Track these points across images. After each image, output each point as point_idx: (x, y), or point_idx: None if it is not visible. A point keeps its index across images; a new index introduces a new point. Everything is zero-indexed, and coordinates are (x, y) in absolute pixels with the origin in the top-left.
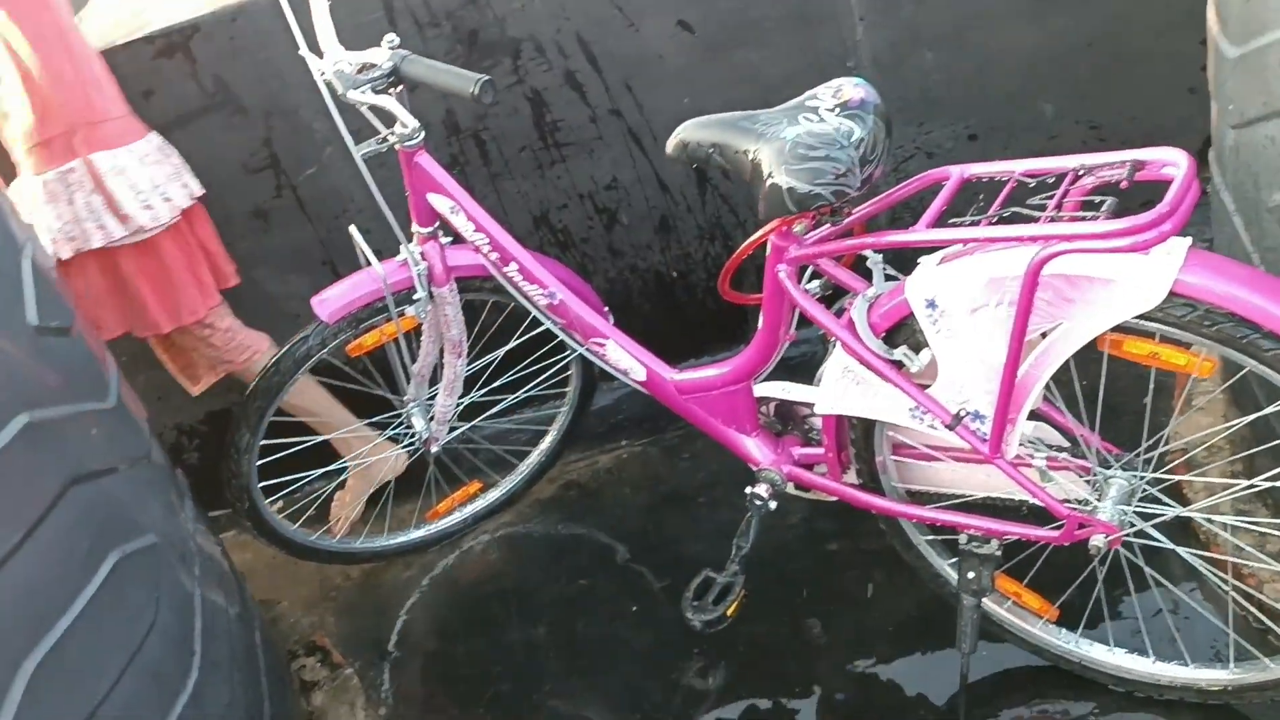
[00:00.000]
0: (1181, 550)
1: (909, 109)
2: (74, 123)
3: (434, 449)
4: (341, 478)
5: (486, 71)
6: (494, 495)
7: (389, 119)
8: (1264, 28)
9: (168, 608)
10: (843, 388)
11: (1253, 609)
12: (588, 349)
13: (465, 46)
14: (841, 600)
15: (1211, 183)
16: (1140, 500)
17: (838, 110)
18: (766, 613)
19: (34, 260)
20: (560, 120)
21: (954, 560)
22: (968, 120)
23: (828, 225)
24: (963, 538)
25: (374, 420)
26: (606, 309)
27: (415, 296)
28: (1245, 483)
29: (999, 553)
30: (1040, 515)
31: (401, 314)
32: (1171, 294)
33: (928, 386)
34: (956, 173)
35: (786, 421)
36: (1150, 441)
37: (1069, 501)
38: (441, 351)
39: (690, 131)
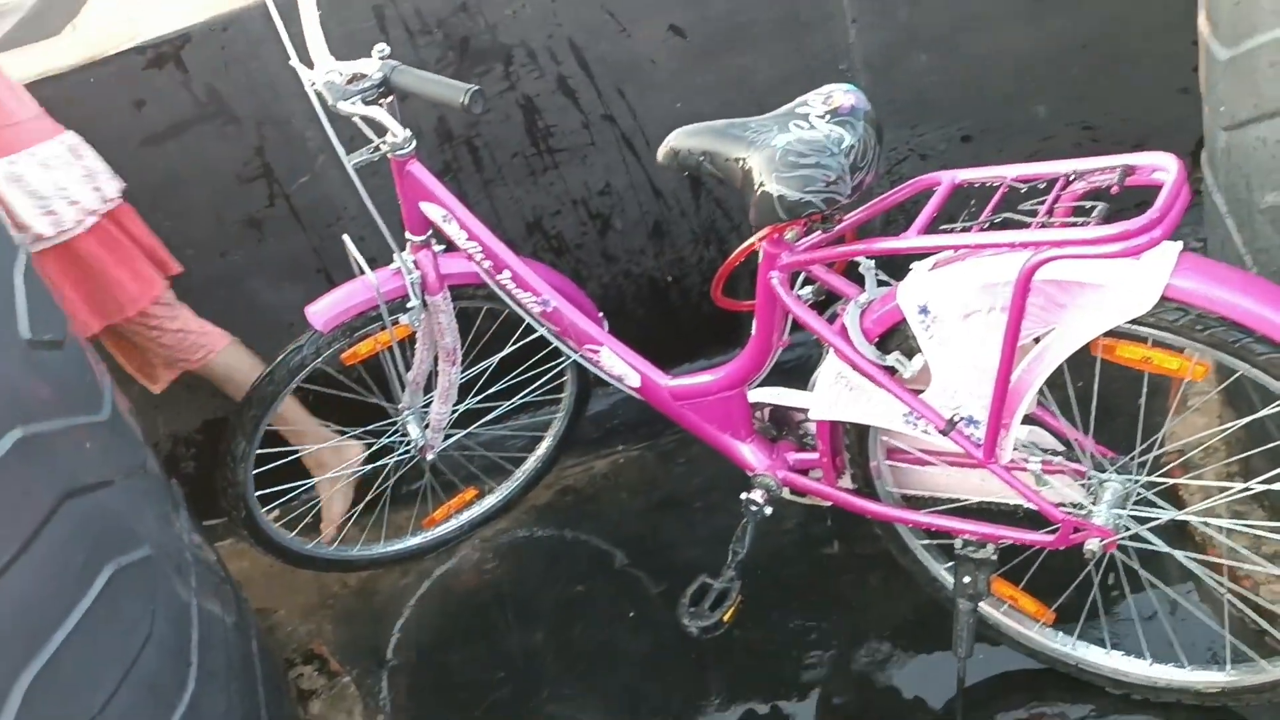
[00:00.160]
0: (1177, 553)
1: (902, 111)
2: None
3: (429, 456)
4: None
5: (478, 78)
6: (490, 502)
7: (381, 128)
8: (1254, 30)
9: (164, 619)
10: (836, 393)
11: (1249, 611)
12: (582, 356)
13: (457, 54)
14: (838, 605)
15: (1204, 184)
16: (1135, 503)
17: (828, 117)
18: (763, 618)
19: (26, 271)
20: (553, 126)
21: (950, 565)
22: (961, 122)
23: (819, 232)
24: (958, 542)
25: (369, 428)
26: (601, 315)
27: (409, 305)
28: (1240, 485)
29: (995, 557)
30: (1035, 519)
31: (395, 322)
32: (1163, 299)
33: (921, 392)
34: (948, 178)
35: (781, 427)
36: (1145, 445)
37: (1064, 505)
38: (436, 359)
39: (680, 139)
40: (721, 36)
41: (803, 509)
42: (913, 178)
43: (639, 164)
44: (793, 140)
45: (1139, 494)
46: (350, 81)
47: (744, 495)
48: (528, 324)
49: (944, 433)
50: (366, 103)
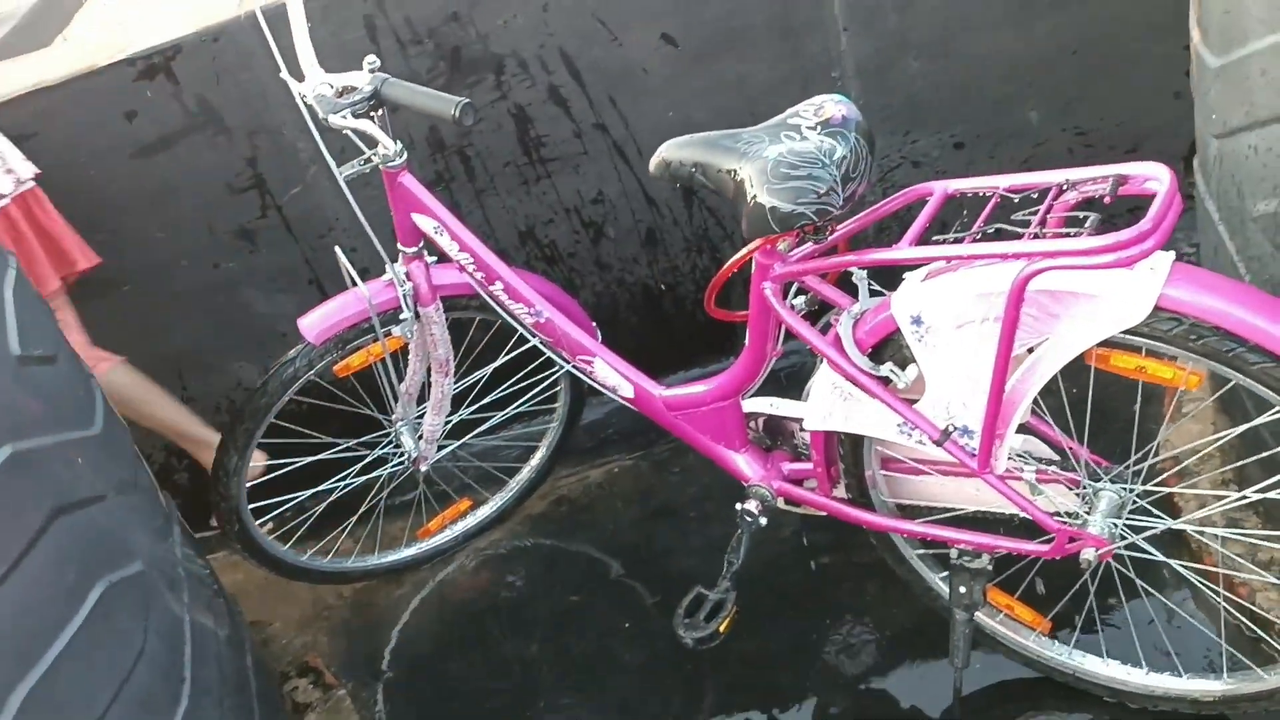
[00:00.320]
0: (1173, 562)
1: (894, 118)
2: None
3: (423, 468)
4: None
5: (470, 88)
6: (485, 512)
7: (372, 141)
8: (1245, 38)
9: (156, 634)
10: (830, 404)
11: (1245, 619)
12: (575, 366)
13: (448, 64)
14: (834, 614)
15: (1196, 189)
16: (1130, 512)
17: (819, 128)
18: (759, 628)
19: (16, 286)
20: (545, 135)
21: (946, 574)
22: (954, 128)
23: (812, 242)
24: (954, 552)
25: (363, 440)
26: (594, 325)
27: (401, 316)
28: (1236, 494)
29: (990, 567)
30: (1031, 528)
31: (388, 334)
32: (1157, 309)
33: (915, 401)
34: (940, 188)
35: (775, 436)
36: (1139, 454)
37: (1059, 515)
38: (429, 370)
39: (672, 151)
40: (713, 44)
41: (798, 517)
42: (906, 184)
43: (631, 172)
44: (784, 152)
45: (1134, 503)
46: (341, 94)
47: (739, 506)
48: (521, 334)
49: (938, 443)
50: (357, 116)
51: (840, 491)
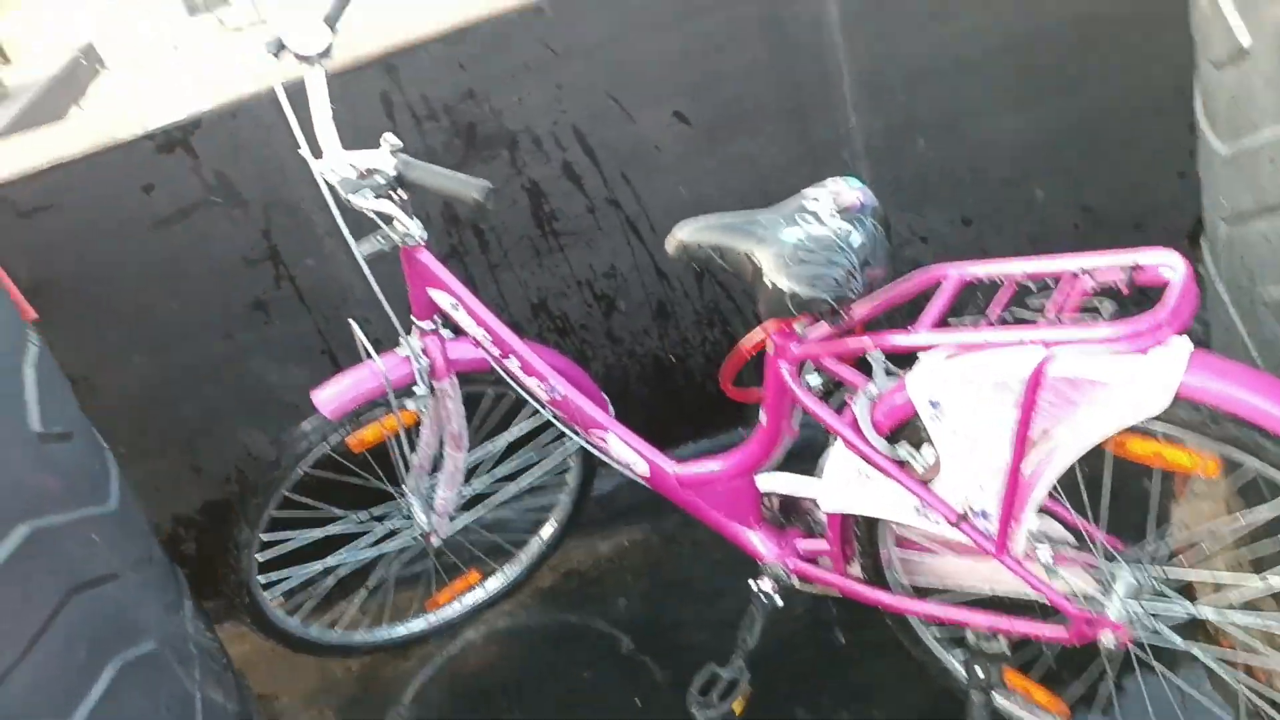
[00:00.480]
0: (1193, 648)
1: (903, 195)
2: None
3: (435, 543)
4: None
5: (485, 164)
6: (494, 585)
7: (390, 217)
8: (1254, 126)
9: (168, 711)
10: (846, 484)
11: (1265, 705)
12: (590, 442)
13: (463, 140)
14: (849, 694)
15: (1205, 270)
16: (1148, 595)
17: (836, 214)
18: (773, 708)
19: (38, 363)
20: (558, 210)
21: (962, 656)
22: (962, 205)
23: (828, 324)
24: (970, 634)
25: (374, 513)
26: (606, 398)
27: (416, 391)
28: (1256, 579)
29: (1007, 650)
30: (1049, 610)
31: (402, 408)
32: (1176, 397)
33: (931, 482)
34: (955, 273)
35: (790, 514)
36: (1156, 536)
37: (1076, 597)
38: (441, 443)
39: (689, 233)
40: (725, 123)
41: (812, 595)
42: (915, 259)
43: (643, 247)
44: (802, 236)
45: (1152, 586)
46: (362, 175)
47: (753, 585)
48: (533, 407)
49: (955, 525)
50: (378, 197)
51: (855, 571)
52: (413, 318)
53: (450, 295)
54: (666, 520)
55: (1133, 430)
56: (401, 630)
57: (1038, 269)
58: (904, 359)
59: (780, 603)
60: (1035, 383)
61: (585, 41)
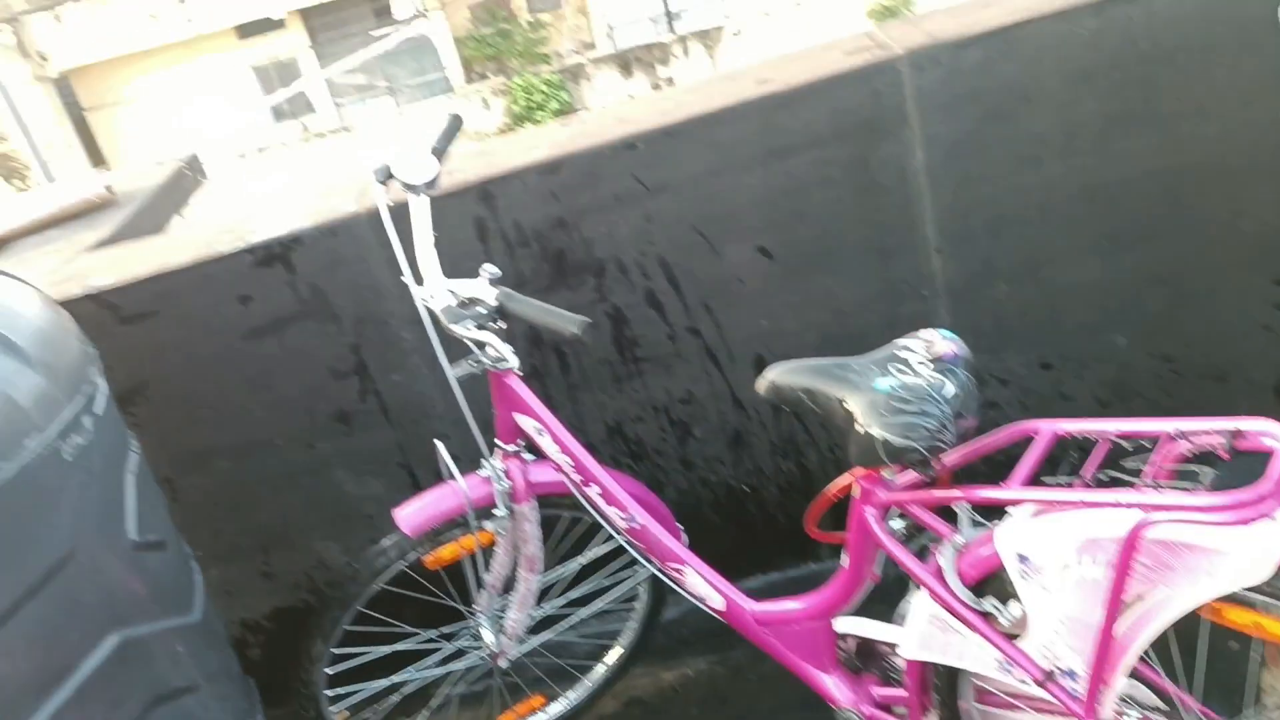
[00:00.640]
0: None
1: (983, 337)
2: None
3: (503, 663)
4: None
5: (571, 290)
6: (557, 710)
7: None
8: None
9: None
10: (928, 633)
11: None
12: (665, 573)
13: (551, 266)
14: None
15: None
16: None
17: (930, 364)
18: None
19: (139, 471)
20: (640, 336)
21: None
22: (1041, 349)
23: (916, 471)
24: None
25: (443, 630)
26: (679, 527)
27: (496, 513)
28: None
29: None
30: None
31: (480, 528)
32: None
33: (1017, 638)
34: (1047, 429)
35: (866, 659)
36: (1255, 712)
37: None
38: (516, 564)
39: (781, 375)
40: (807, 259)
41: None
42: (992, 400)
43: (721, 376)
44: (895, 385)
45: None
46: (463, 304)
47: None
48: (605, 531)
49: (1041, 684)
50: (480, 327)
51: None
52: (496, 440)
53: (536, 421)
54: (734, 651)
55: (1231, 598)
56: None
57: (1133, 429)
58: (991, 512)
59: None
60: (1131, 546)
61: (675, 177)
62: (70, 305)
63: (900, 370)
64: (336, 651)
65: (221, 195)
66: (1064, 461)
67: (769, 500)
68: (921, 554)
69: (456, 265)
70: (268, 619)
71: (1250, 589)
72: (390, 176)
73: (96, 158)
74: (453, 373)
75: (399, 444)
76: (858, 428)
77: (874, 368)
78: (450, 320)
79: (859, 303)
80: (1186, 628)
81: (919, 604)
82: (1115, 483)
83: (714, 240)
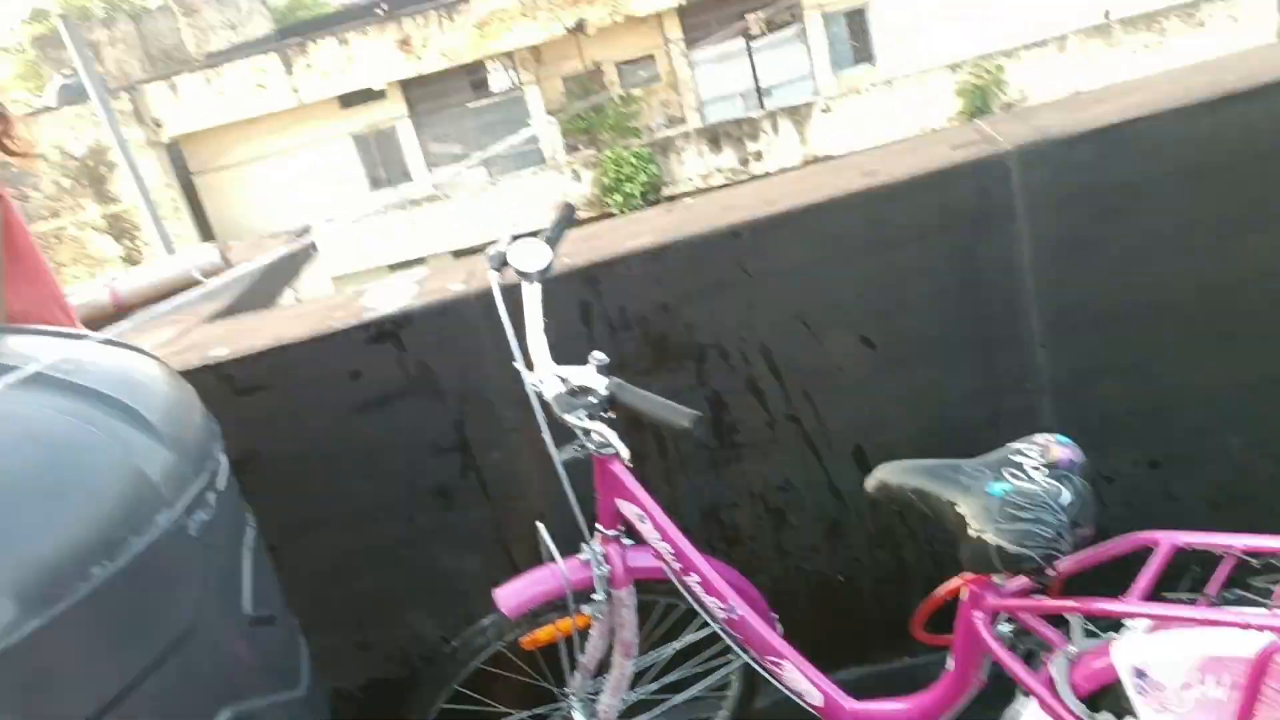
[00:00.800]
0: None
1: (1088, 434)
2: None
3: None
4: None
5: (671, 373)
6: None
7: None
8: None
9: None
10: None
11: None
12: (762, 665)
13: (653, 349)
14: None
15: None
16: None
17: (1045, 470)
18: None
19: (254, 545)
20: (739, 422)
21: None
22: (1149, 448)
23: (1028, 578)
24: None
25: (536, 712)
26: (774, 616)
27: (594, 597)
28: None
29: None
30: None
31: (578, 611)
32: None
33: None
34: (1167, 540)
35: None
36: None
37: None
38: (610, 648)
39: (891, 474)
40: (910, 350)
41: None
42: (1102, 505)
43: (819, 464)
44: (1010, 490)
45: None
46: (573, 393)
47: None
48: (702, 618)
49: None
50: (591, 417)
51: None
52: (597, 524)
53: (639, 507)
54: None
55: None
56: None
57: (1261, 545)
58: (1105, 623)
59: None
60: (1261, 670)
61: (778, 265)
62: (189, 376)
63: (1014, 475)
64: None
65: (331, 269)
66: (1185, 575)
67: (864, 591)
68: (1029, 660)
69: (560, 347)
70: (361, 690)
71: None
72: (504, 264)
73: (202, 220)
74: (559, 457)
75: (496, 521)
76: (970, 532)
77: (987, 471)
78: (562, 409)
79: (962, 395)
80: None
81: (1029, 714)
82: (1242, 602)
83: (816, 328)
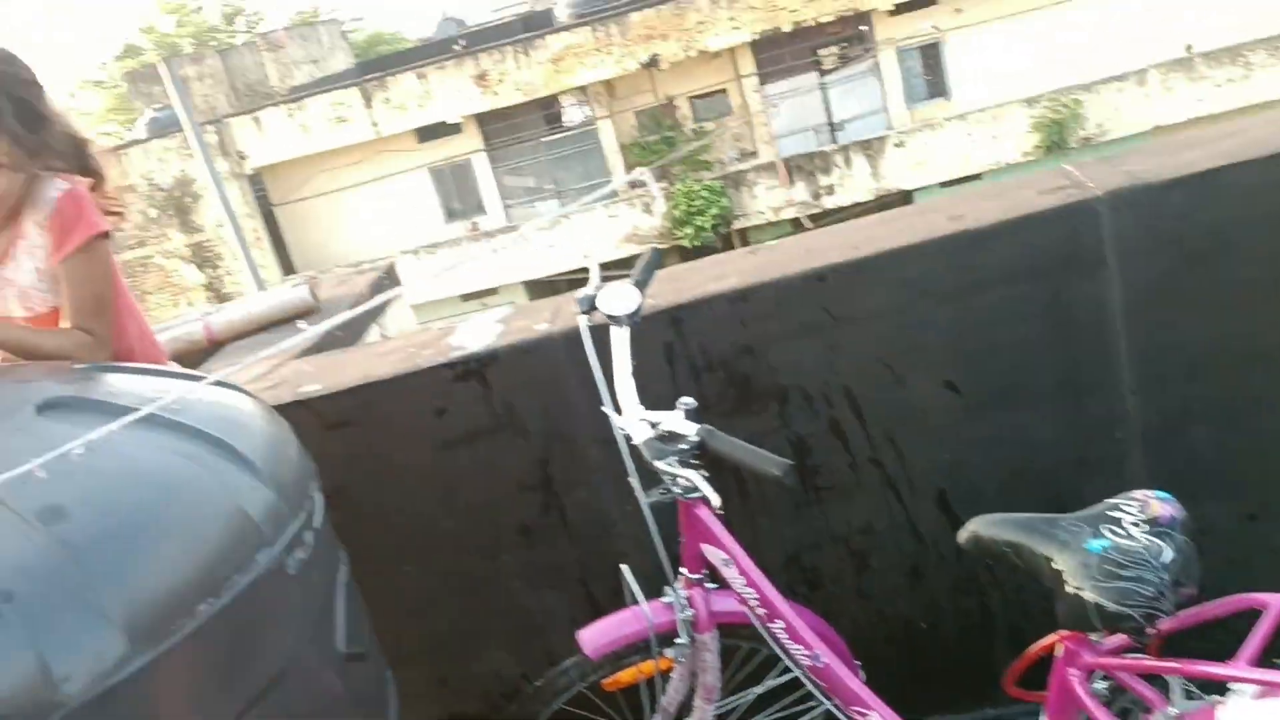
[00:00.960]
0: None
1: (1180, 484)
2: None
3: None
4: None
5: (753, 416)
6: None
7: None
8: None
9: None
10: None
11: None
12: (846, 714)
13: (736, 391)
14: None
15: None
16: None
17: (1145, 526)
18: None
19: (347, 583)
20: (821, 465)
21: None
22: (1244, 499)
23: (1127, 637)
24: None
25: None
26: (857, 663)
27: (677, 640)
28: None
29: None
30: None
31: (660, 655)
32: None
33: None
34: (1275, 603)
35: None
36: None
37: None
38: (692, 691)
39: (985, 527)
40: (996, 395)
41: None
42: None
43: (902, 507)
44: (1110, 547)
45: None
46: (663, 438)
47: None
48: (784, 663)
49: None
50: (683, 464)
51: None
52: (682, 568)
53: (724, 552)
54: None
55: None
56: None
57: None
58: (1206, 684)
59: None
60: None
61: (863, 309)
62: (281, 411)
63: (1114, 531)
64: None
65: (413, 306)
66: None
67: (947, 638)
68: None
69: (643, 387)
70: None
71: None
72: (593, 307)
73: (281, 249)
74: (645, 500)
75: (577, 560)
76: (1068, 589)
77: (1085, 526)
78: (654, 456)
79: (1048, 442)
80: None
81: None
82: None
83: (900, 372)
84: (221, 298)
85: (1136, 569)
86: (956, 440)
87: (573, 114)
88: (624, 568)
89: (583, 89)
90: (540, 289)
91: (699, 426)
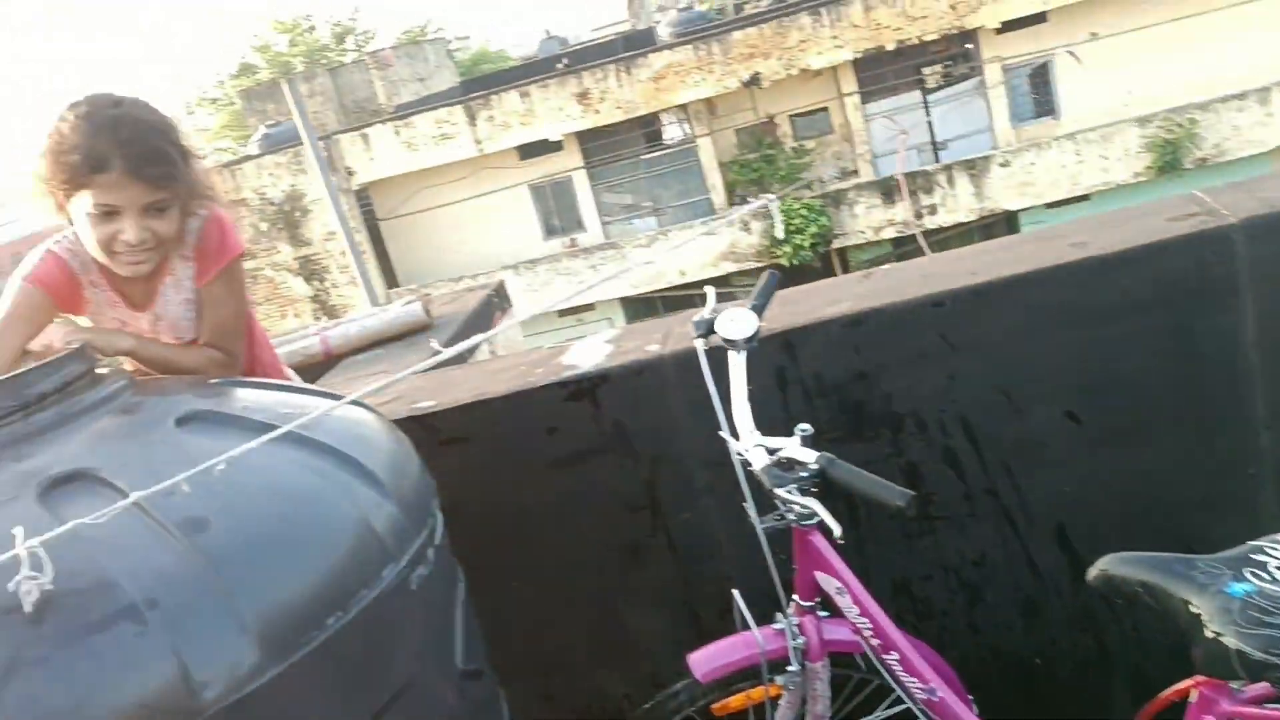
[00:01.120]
0: None
1: None
2: None
3: None
4: None
5: (866, 442)
6: None
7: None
8: None
9: None
10: None
11: None
12: None
13: (849, 417)
14: None
15: None
16: None
17: None
18: None
19: (464, 602)
20: (933, 494)
21: None
22: None
23: (1270, 686)
24: None
25: None
26: (970, 698)
27: (788, 668)
28: None
29: None
30: None
31: (770, 681)
32: None
33: None
34: None
35: None
36: None
37: None
38: (800, 719)
39: (1117, 566)
40: (1118, 428)
41: None
42: None
43: (1018, 540)
44: (1253, 591)
45: None
46: (781, 465)
47: None
48: (895, 695)
49: None
50: (804, 493)
51: None
52: (794, 595)
53: (839, 581)
54: None
55: None
56: None
57: None
58: None
59: None
60: None
61: (982, 336)
62: (397, 426)
63: (1258, 575)
64: None
65: (523, 322)
66: None
67: (1061, 675)
68: None
69: (756, 412)
70: None
71: None
72: (711, 331)
73: (386, 263)
74: (761, 526)
75: (684, 582)
76: (1207, 633)
77: (1225, 569)
78: (774, 483)
79: (1174, 477)
80: None
81: None
82: None
83: (1018, 401)
84: (327, 310)
85: None
86: (1076, 473)
87: (672, 131)
88: (735, 593)
89: (683, 107)
90: (637, 306)
91: (819, 454)
